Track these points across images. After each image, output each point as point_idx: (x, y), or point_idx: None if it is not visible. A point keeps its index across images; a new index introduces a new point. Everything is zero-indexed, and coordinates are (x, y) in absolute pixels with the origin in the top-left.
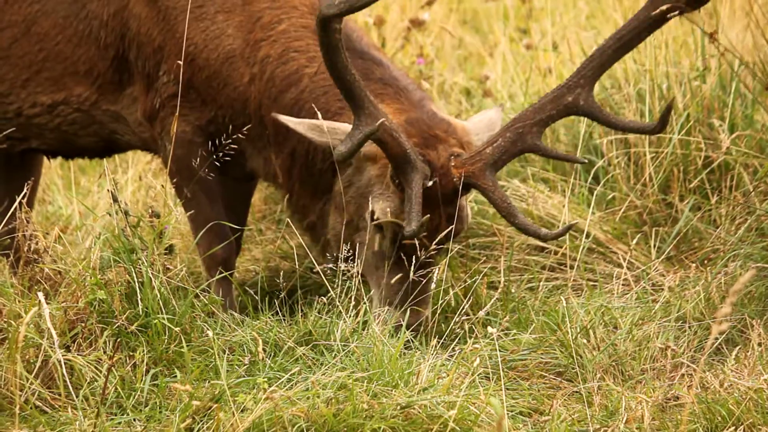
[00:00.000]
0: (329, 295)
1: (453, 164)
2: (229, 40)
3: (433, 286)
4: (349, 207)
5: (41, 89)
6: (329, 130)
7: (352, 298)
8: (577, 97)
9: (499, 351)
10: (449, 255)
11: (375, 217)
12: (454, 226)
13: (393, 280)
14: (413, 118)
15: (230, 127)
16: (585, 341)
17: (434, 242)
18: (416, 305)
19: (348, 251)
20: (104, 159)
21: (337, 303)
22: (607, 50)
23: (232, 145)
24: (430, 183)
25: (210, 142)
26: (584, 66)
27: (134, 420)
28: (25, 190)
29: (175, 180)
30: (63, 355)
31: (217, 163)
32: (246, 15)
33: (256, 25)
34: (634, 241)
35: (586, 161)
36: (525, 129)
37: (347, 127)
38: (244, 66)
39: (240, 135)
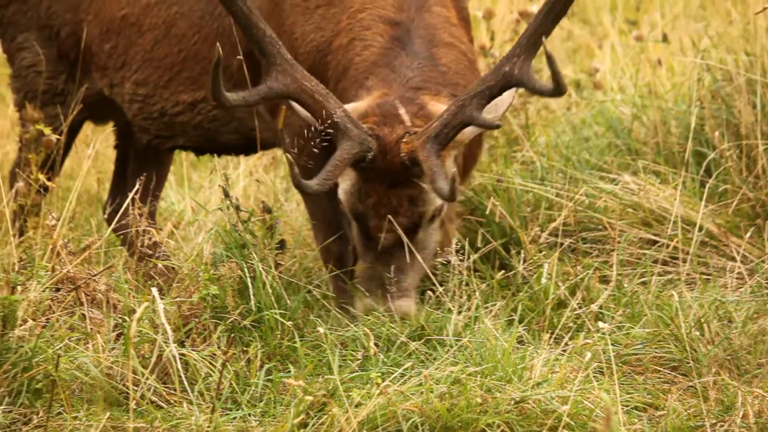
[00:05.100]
0: (442, 288)
1: (404, 141)
2: (319, 33)
3: (412, 275)
4: None
5: (182, 88)
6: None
7: (465, 292)
8: (513, 66)
9: (612, 345)
10: (559, 249)
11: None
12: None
13: (363, 268)
14: (383, 101)
15: None
16: (699, 335)
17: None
18: (394, 294)
19: (458, 244)
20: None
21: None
22: (540, 18)
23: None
24: (371, 155)
25: None
26: (521, 37)
27: (249, 415)
28: (137, 186)
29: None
30: (177, 350)
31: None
32: (341, 6)
33: (345, 15)
34: (748, 234)
35: (501, 125)
36: (466, 102)
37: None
38: (330, 57)
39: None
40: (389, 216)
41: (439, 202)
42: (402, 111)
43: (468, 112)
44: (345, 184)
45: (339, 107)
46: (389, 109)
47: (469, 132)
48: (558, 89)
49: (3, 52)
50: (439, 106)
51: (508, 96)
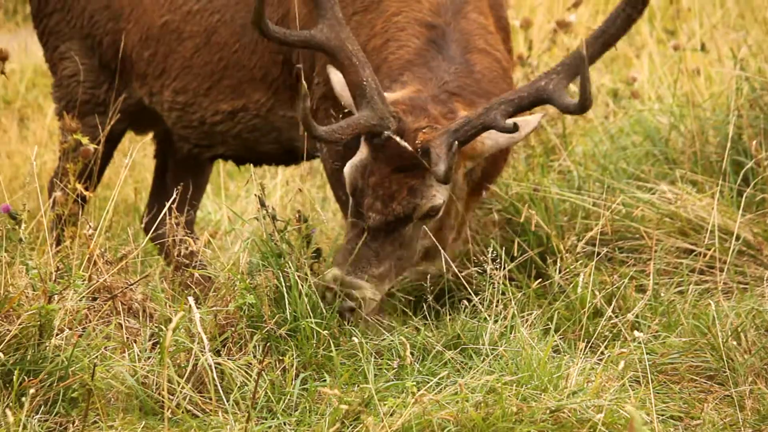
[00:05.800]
0: (478, 297)
1: (423, 131)
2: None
3: (384, 266)
4: None
5: (222, 97)
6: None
7: (500, 301)
8: (549, 82)
9: (648, 354)
10: (596, 258)
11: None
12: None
13: (344, 241)
14: (416, 96)
15: None
16: (736, 344)
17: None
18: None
19: (494, 253)
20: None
21: (479, 306)
22: (592, 43)
23: None
24: (387, 133)
25: None
26: (567, 56)
27: (284, 424)
28: (174, 195)
29: (331, 183)
30: (213, 360)
31: None
32: (377, 12)
33: (380, 19)
34: None
35: (517, 130)
36: (494, 106)
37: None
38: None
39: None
40: (384, 199)
41: (438, 201)
42: (432, 109)
43: (492, 115)
44: (355, 158)
45: (371, 77)
46: (420, 104)
47: (489, 145)
48: (582, 105)
49: (46, 62)
50: (462, 112)
51: (535, 118)
